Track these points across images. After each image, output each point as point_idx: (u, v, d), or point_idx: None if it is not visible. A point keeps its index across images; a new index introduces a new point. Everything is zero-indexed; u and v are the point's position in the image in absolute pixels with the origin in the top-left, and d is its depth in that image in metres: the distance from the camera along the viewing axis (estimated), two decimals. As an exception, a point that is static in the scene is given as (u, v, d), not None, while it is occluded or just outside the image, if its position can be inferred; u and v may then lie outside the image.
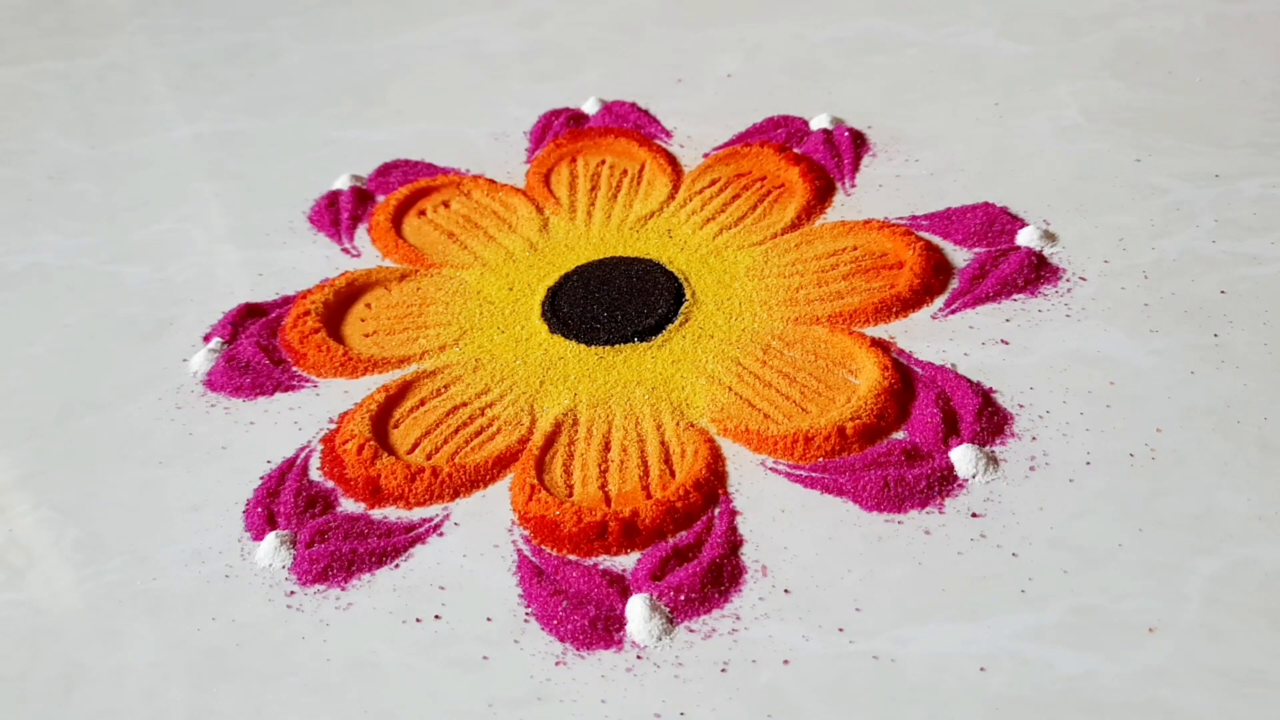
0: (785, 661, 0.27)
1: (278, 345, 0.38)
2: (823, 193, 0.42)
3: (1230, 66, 0.47)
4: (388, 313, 0.39)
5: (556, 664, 0.28)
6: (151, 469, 0.34)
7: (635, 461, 0.33)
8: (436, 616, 0.29)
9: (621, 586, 0.29)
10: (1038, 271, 0.37)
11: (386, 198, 0.45)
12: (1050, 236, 0.39)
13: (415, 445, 0.34)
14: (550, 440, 0.34)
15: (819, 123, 0.46)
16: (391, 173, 0.47)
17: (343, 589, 0.30)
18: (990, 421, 0.33)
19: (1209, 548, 0.29)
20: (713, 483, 0.32)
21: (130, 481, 0.34)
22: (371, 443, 0.34)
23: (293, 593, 0.30)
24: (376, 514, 0.32)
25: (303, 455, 0.34)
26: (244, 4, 0.62)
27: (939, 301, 0.37)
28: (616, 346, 0.37)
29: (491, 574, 0.30)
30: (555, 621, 0.29)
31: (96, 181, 0.49)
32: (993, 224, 0.40)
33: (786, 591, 0.29)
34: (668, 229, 0.42)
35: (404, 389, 0.36)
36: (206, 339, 0.39)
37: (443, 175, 0.46)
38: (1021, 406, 0.33)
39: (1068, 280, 0.37)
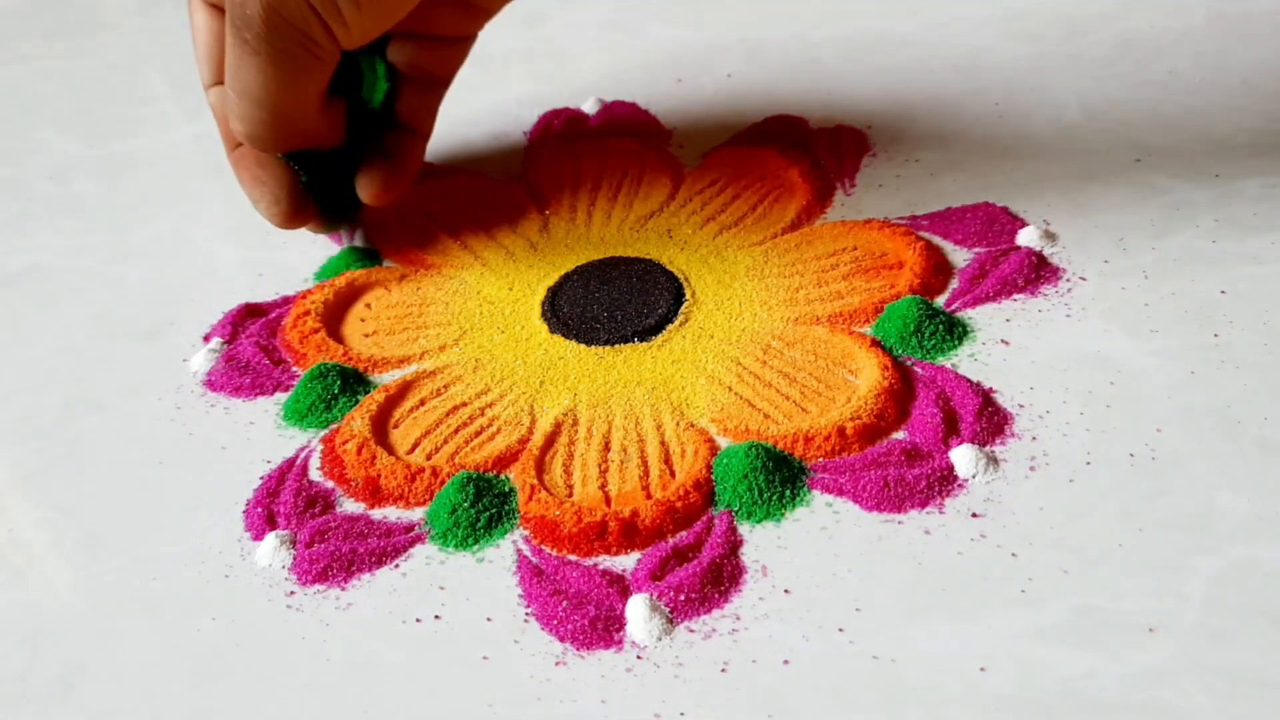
0: (785, 661, 0.27)
1: (278, 345, 0.38)
2: (823, 193, 0.42)
3: (1230, 66, 0.47)
4: (388, 313, 0.39)
5: (556, 664, 0.28)
6: (151, 469, 0.34)
7: (635, 461, 0.33)
8: (436, 617, 0.29)
9: (621, 586, 0.29)
10: (1038, 271, 0.38)
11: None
12: (1050, 236, 0.39)
13: (415, 445, 0.34)
14: (550, 440, 0.34)
15: (820, 123, 0.46)
16: (391, 173, 0.47)
17: (343, 589, 0.30)
18: (990, 421, 0.33)
19: (1209, 548, 0.29)
20: (713, 483, 0.32)
21: (130, 481, 0.34)
22: (371, 443, 0.34)
23: (293, 593, 0.30)
24: (376, 514, 0.32)
25: (303, 455, 0.34)
26: (244, 4, 0.62)
27: (939, 301, 0.37)
28: (616, 346, 0.37)
29: (491, 574, 0.30)
30: (555, 621, 0.29)
31: (96, 181, 0.49)
32: (993, 224, 0.40)
33: (786, 591, 0.29)
34: (668, 229, 0.42)
35: (404, 389, 0.36)
36: (206, 339, 0.39)
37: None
38: (1021, 406, 0.33)
39: (1068, 280, 0.37)
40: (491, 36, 0.57)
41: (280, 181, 0.37)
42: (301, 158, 0.38)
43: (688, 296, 0.38)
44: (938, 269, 0.38)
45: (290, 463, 0.34)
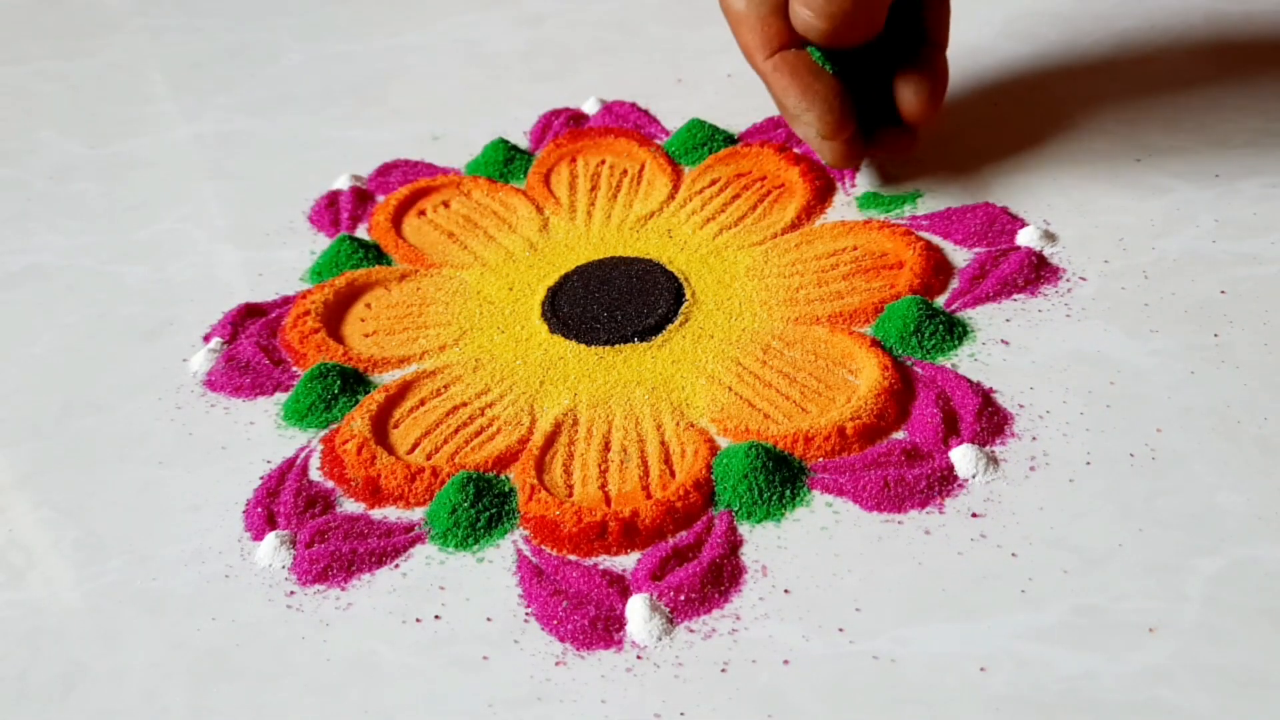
0: (785, 661, 0.27)
1: (278, 345, 0.38)
2: (823, 193, 0.42)
3: (1230, 66, 0.47)
4: (388, 313, 0.39)
5: (556, 664, 0.28)
6: (151, 469, 0.34)
7: (635, 461, 0.33)
8: (436, 617, 0.29)
9: (621, 586, 0.29)
10: (1038, 271, 0.38)
11: (386, 198, 0.45)
12: (1050, 236, 0.39)
13: (415, 445, 0.34)
14: (550, 440, 0.34)
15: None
16: (391, 173, 0.47)
17: (343, 589, 0.30)
18: (990, 421, 0.33)
19: (1209, 548, 0.29)
20: (713, 483, 0.32)
21: (130, 481, 0.34)
22: (371, 443, 0.34)
23: (293, 593, 0.30)
24: (376, 514, 0.32)
25: (303, 455, 0.34)
26: (244, 4, 0.62)
27: (939, 301, 0.37)
28: (616, 346, 0.37)
29: (491, 574, 0.30)
30: (555, 621, 0.29)
31: (96, 181, 0.49)
32: (993, 224, 0.40)
33: (786, 591, 0.29)
34: (668, 229, 0.42)
35: (404, 389, 0.36)
36: (206, 339, 0.39)
37: (442, 175, 0.46)
38: (1021, 406, 0.33)
39: (1068, 280, 0.37)
40: (491, 36, 0.57)
41: (833, 89, 0.38)
42: (842, 64, 0.39)
43: (688, 296, 0.38)
44: (938, 269, 0.38)
45: (290, 463, 0.34)
